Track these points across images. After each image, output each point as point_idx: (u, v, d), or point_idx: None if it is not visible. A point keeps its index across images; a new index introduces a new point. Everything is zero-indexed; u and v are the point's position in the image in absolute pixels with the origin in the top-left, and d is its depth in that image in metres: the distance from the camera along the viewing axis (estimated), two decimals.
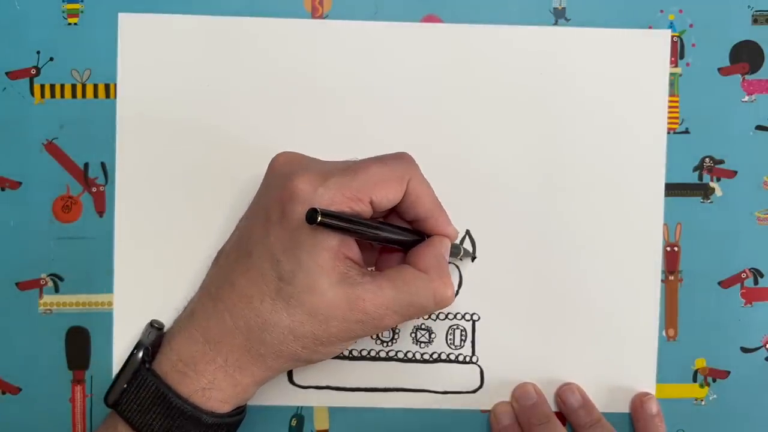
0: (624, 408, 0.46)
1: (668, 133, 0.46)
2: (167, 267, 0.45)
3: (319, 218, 0.35)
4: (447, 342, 0.46)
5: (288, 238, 0.37)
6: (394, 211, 0.40)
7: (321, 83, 0.46)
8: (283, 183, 0.38)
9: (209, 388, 0.38)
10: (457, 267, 0.46)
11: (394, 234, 0.40)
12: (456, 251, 0.43)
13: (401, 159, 0.39)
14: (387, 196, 0.38)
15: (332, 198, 0.37)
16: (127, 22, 0.45)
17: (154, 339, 0.41)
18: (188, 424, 0.38)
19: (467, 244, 0.46)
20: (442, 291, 0.39)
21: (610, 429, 0.44)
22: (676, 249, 0.46)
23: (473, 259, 0.46)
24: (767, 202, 0.46)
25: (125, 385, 0.39)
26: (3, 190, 0.45)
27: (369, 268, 0.43)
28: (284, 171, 0.39)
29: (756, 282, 0.47)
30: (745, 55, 0.46)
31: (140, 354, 0.39)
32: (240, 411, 0.41)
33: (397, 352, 0.46)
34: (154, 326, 0.42)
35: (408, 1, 0.46)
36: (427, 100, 0.46)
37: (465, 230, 0.46)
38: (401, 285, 0.38)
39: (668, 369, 0.46)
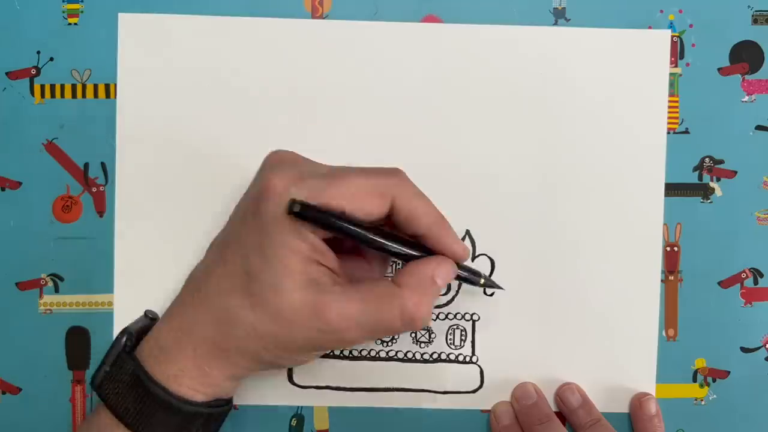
0: (624, 408, 0.46)
1: (668, 133, 0.46)
2: (167, 267, 0.45)
3: (298, 208, 0.34)
4: (447, 342, 0.46)
5: (257, 235, 0.37)
6: (390, 226, 0.39)
7: (321, 83, 0.46)
8: (260, 179, 0.38)
9: (180, 375, 0.38)
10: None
11: (389, 242, 0.38)
12: (474, 279, 0.41)
13: (388, 174, 0.38)
14: (363, 208, 0.36)
15: (302, 200, 0.36)
16: (127, 22, 0.45)
17: (141, 326, 0.41)
18: (161, 408, 0.38)
19: (470, 251, 0.45)
20: (409, 311, 0.37)
21: (609, 428, 0.44)
22: (676, 249, 0.46)
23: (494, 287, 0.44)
24: (767, 202, 0.46)
25: (108, 369, 0.39)
26: (3, 190, 0.45)
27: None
28: (267, 168, 0.39)
29: (756, 282, 0.47)
30: (744, 55, 0.46)
31: (123, 339, 0.40)
32: (221, 404, 0.40)
33: (397, 352, 0.46)
34: (148, 316, 0.43)
35: (408, 1, 0.46)
36: (427, 100, 0.46)
37: (465, 230, 0.46)
38: (370, 298, 0.37)
39: (668, 369, 0.46)
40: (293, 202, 0.35)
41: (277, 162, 0.39)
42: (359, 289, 0.37)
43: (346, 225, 0.36)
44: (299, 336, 0.37)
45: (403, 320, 0.37)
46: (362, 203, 0.37)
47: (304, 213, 0.35)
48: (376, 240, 0.37)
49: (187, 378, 0.38)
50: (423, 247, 0.39)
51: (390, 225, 0.39)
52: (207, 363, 0.38)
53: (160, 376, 0.38)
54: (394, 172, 0.38)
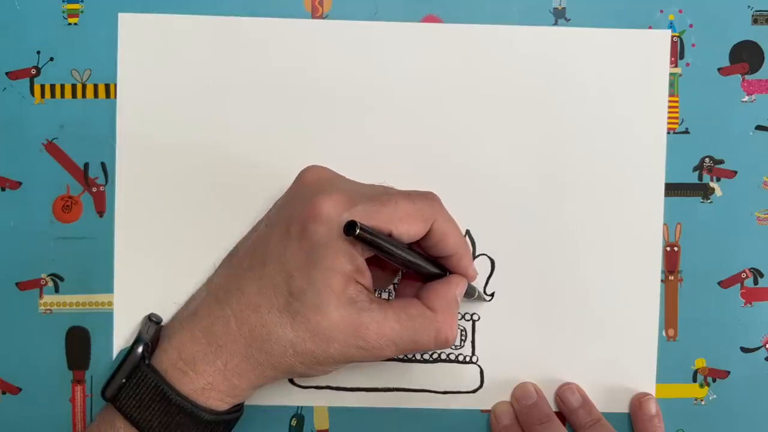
0: (624, 408, 0.46)
1: (668, 133, 0.46)
2: (167, 267, 0.45)
3: (358, 231, 0.35)
4: None
5: (304, 257, 0.37)
6: (419, 245, 0.40)
7: (321, 83, 0.46)
8: (309, 200, 0.38)
9: (208, 388, 0.38)
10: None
11: (421, 262, 0.40)
12: (471, 292, 0.43)
13: (428, 199, 0.40)
14: (408, 231, 0.38)
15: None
16: (127, 22, 0.45)
17: (153, 334, 0.41)
18: (187, 420, 0.38)
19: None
20: (444, 333, 0.39)
21: (609, 428, 0.44)
22: (676, 249, 0.46)
23: (490, 298, 0.46)
24: (767, 202, 0.46)
25: (124, 380, 0.39)
26: (3, 190, 0.45)
27: (381, 294, 0.44)
28: (312, 188, 0.39)
29: (756, 282, 0.47)
30: (744, 55, 0.46)
31: (140, 349, 0.39)
32: (238, 408, 0.41)
33: None
34: (152, 320, 0.42)
35: (408, 1, 0.46)
36: (427, 100, 0.46)
37: (465, 230, 0.46)
38: (405, 320, 0.39)
39: (668, 369, 0.46)
40: (353, 223, 0.35)
41: (316, 181, 0.40)
42: (394, 309, 0.39)
43: (394, 248, 0.38)
44: (337, 352, 0.38)
45: (437, 342, 0.40)
46: (408, 226, 0.38)
47: (362, 235, 0.36)
48: (414, 261, 0.39)
49: (215, 391, 0.39)
50: (438, 265, 0.41)
51: (415, 243, 0.40)
52: (237, 376, 0.39)
53: (186, 389, 0.38)
54: (432, 197, 0.40)
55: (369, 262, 0.39)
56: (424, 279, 0.41)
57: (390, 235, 0.38)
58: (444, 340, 0.39)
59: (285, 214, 0.40)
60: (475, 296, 0.44)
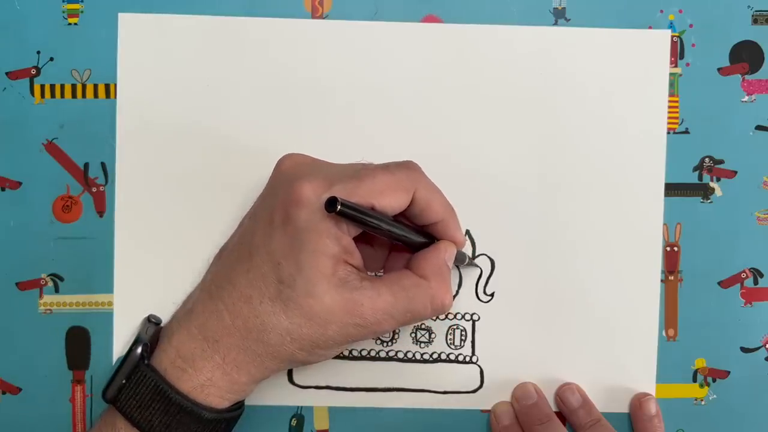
0: (624, 408, 0.46)
1: (668, 133, 0.46)
2: (167, 267, 0.45)
3: (339, 207, 0.35)
4: (447, 342, 0.46)
5: (289, 243, 0.37)
6: (404, 216, 0.40)
7: (321, 83, 0.46)
8: (289, 186, 0.38)
9: (207, 384, 0.38)
10: (458, 267, 0.46)
11: (406, 233, 0.40)
12: (461, 258, 0.43)
13: (407, 168, 0.39)
14: (390, 204, 0.38)
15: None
16: (127, 22, 0.45)
17: (152, 334, 0.41)
18: (188, 419, 0.38)
19: (469, 250, 0.46)
20: (439, 299, 0.39)
21: (609, 429, 0.44)
22: (675, 249, 0.46)
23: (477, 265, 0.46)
24: (767, 202, 0.46)
25: (124, 381, 0.39)
26: (3, 190, 0.45)
27: (376, 274, 0.44)
28: (290, 174, 0.39)
29: (756, 282, 0.47)
30: (744, 55, 0.46)
31: (139, 350, 0.39)
32: (239, 406, 0.41)
33: (397, 352, 0.46)
34: (152, 321, 0.42)
35: (408, 1, 0.46)
36: (427, 100, 0.46)
37: (465, 230, 0.46)
38: (399, 291, 0.39)
39: (668, 369, 0.46)
40: (333, 199, 0.35)
41: (294, 167, 0.40)
42: (386, 283, 0.39)
43: (378, 221, 0.37)
44: (335, 334, 0.38)
45: (434, 308, 0.40)
46: (390, 199, 0.38)
47: (344, 211, 0.35)
48: (400, 233, 0.39)
49: (215, 387, 0.39)
50: (426, 233, 0.41)
51: (401, 215, 0.40)
52: (237, 370, 0.39)
53: (185, 387, 0.38)
54: (412, 165, 0.40)
55: (357, 242, 0.39)
56: (413, 250, 0.41)
57: (373, 209, 0.38)
58: (440, 305, 0.39)
59: (267, 203, 0.40)
60: (465, 263, 0.44)
